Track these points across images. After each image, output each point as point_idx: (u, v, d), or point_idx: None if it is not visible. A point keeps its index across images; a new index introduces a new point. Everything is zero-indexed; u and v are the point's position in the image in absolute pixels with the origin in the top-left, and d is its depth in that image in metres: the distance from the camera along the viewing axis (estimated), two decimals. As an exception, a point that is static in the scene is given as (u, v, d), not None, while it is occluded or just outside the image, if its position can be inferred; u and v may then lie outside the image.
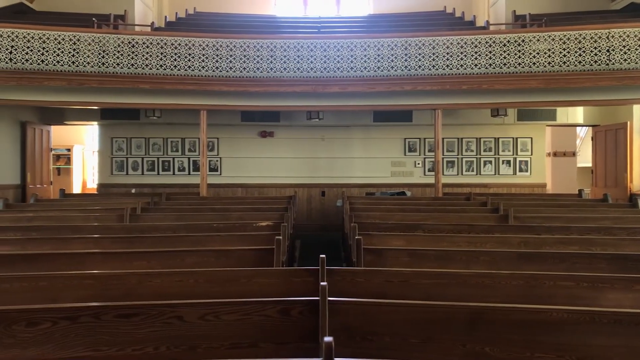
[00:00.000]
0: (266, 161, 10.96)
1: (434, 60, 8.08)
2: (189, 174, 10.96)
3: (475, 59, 8.01)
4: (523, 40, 7.97)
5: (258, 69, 8.20)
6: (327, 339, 1.68)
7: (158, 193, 8.97)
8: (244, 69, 8.19)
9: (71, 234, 4.81)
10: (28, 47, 7.76)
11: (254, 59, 8.21)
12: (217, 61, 8.16)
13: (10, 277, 2.89)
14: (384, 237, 4.56)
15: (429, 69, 8.08)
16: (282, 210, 6.69)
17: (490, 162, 10.98)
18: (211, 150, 10.77)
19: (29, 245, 4.23)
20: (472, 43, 8.04)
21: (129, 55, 7.99)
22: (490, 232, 5.02)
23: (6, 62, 7.70)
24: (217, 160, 10.98)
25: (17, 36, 7.75)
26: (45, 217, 6.14)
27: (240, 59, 8.19)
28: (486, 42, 8.03)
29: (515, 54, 7.96)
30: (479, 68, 8.00)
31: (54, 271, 3.23)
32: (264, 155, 10.97)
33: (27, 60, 7.75)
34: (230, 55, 8.18)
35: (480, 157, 11.00)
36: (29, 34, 7.78)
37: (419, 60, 8.09)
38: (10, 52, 7.71)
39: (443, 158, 10.44)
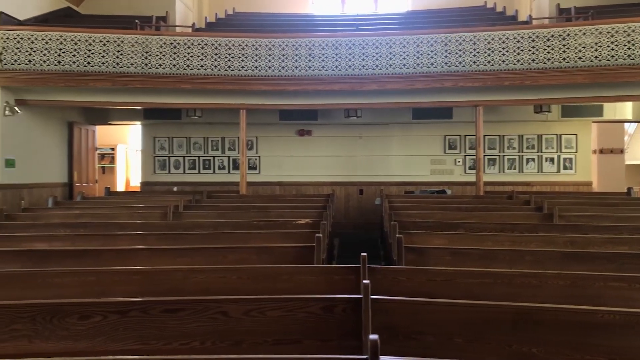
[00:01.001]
0: (304, 159, 11.01)
1: (475, 56, 7.94)
2: (229, 172, 11.11)
3: (518, 54, 7.83)
4: (568, 35, 7.74)
5: (296, 67, 8.23)
6: (373, 336, 1.67)
7: (199, 191, 9.14)
8: (283, 68, 8.24)
9: (117, 231, 4.95)
10: (75, 50, 8.01)
11: (292, 57, 8.25)
12: (256, 61, 8.24)
13: (61, 272, 2.99)
14: (424, 235, 4.51)
15: (470, 65, 7.95)
16: (321, 209, 6.71)
17: (533, 159, 10.72)
18: (250, 149, 10.89)
19: (78, 241, 4.38)
20: (515, 38, 7.86)
21: (170, 56, 8.15)
22: (534, 231, 4.91)
23: (55, 65, 7.96)
24: (256, 159, 11.09)
25: (65, 39, 8.01)
26: (92, 214, 6.34)
27: (279, 58, 8.24)
28: (529, 37, 7.84)
29: (560, 49, 7.74)
30: (522, 64, 7.82)
31: (102, 266, 3.34)
32: (302, 154, 11.02)
33: (74, 62, 8.00)
34: (269, 55, 8.25)
35: (522, 155, 10.75)
36: (76, 36, 8.03)
37: (460, 56, 7.97)
38: (59, 55, 7.98)
39: (484, 156, 10.25)
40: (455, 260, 3.69)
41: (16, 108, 8.30)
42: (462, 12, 11.52)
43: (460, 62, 7.97)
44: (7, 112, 8.19)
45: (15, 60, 7.90)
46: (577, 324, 2.26)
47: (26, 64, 7.93)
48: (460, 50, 7.97)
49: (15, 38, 7.93)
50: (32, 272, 3.00)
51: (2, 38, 7.89)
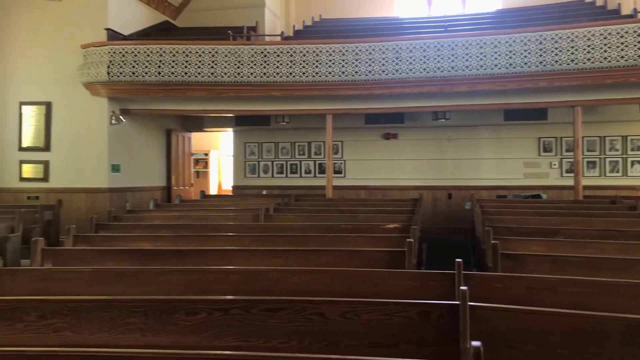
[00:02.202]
0: (390, 163, 10.95)
1: (572, 54, 7.53)
2: (315, 176, 11.29)
3: (622, 50, 7.34)
4: (679, 27, 7.15)
5: (383, 71, 8.22)
6: (476, 343, 1.64)
7: (287, 194, 9.36)
8: (370, 72, 8.26)
9: (213, 232, 5.18)
10: (173, 61, 8.50)
11: (379, 61, 8.25)
12: (343, 66, 8.32)
13: (167, 270, 3.18)
14: (520, 241, 4.33)
15: (567, 64, 7.55)
16: (409, 213, 6.64)
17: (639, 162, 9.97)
18: (336, 153, 11.00)
19: (179, 241, 4.64)
20: (618, 33, 7.37)
21: (261, 64, 8.43)
22: (644, 239, 4.56)
23: (155, 76, 8.50)
24: (341, 163, 11.19)
25: (164, 52, 8.52)
26: (190, 216, 6.69)
27: (366, 62, 8.27)
28: (634, 32, 7.32)
29: (670, 42, 7.17)
30: (626, 60, 7.32)
31: (202, 265, 3.52)
32: (388, 157, 10.96)
33: (172, 73, 8.50)
34: (356, 59, 8.30)
35: (626, 157, 10.04)
36: (174, 49, 8.53)
37: (556, 54, 7.59)
38: (159, 67, 8.51)
39: (583, 158, 9.67)
40: (556, 268, 3.51)
41: (121, 117, 8.95)
42: (557, 8, 10.96)
43: (556, 61, 7.60)
44: (113, 121, 8.85)
45: (121, 73, 8.51)
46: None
47: (130, 76, 8.52)
48: (556, 48, 7.60)
49: (120, 52, 8.55)
50: (142, 269, 3.22)
51: (109, 52, 8.54)
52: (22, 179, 9.07)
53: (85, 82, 8.75)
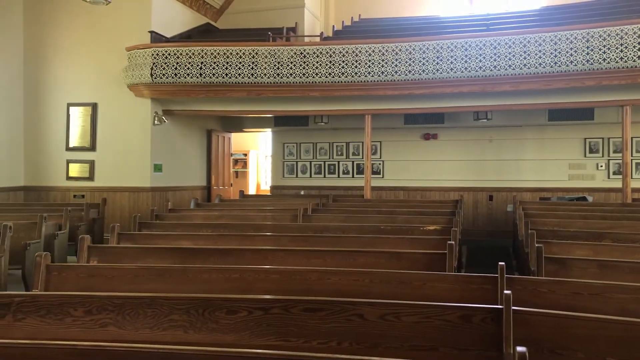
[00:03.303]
0: (429, 164, 10.82)
1: (622, 51, 7.27)
2: (353, 176, 11.26)
3: (675, 46, 7.03)
4: None
5: (424, 71, 8.13)
6: (521, 348, 1.60)
7: (325, 195, 9.37)
8: (409, 72, 8.18)
9: (253, 232, 5.23)
10: (214, 63, 8.63)
11: (420, 61, 8.16)
12: (382, 66, 8.27)
13: (209, 269, 3.23)
14: (565, 245, 4.22)
15: (616, 62, 7.29)
16: (449, 215, 6.55)
17: (693, 163, 9.55)
18: (374, 153, 10.94)
19: (220, 240, 4.70)
20: (671, 29, 7.07)
21: (300, 65, 8.47)
22: (697, 244, 4.36)
23: (197, 77, 8.65)
24: (379, 164, 11.12)
25: (205, 53, 8.67)
26: (230, 215, 6.78)
27: (406, 62, 8.19)
28: (688, 27, 7.01)
29: None
30: (679, 57, 7.01)
31: (242, 264, 3.55)
32: (427, 158, 10.84)
33: (213, 74, 8.63)
34: (396, 59, 8.24)
35: (678, 159, 9.63)
36: (215, 50, 8.66)
37: (604, 52, 7.34)
38: (200, 68, 8.66)
39: (632, 160, 9.31)
40: (603, 273, 3.40)
41: (163, 118, 9.15)
42: (605, 4, 10.59)
43: (604, 59, 7.35)
44: (156, 122, 9.06)
45: (164, 74, 8.70)
46: None
47: (172, 78, 8.70)
48: (604, 46, 7.35)
49: (163, 54, 8.74)
50: (184, 267, 3.28)
51: (152, 55, 8.74)
52: (69, 178, 9.39)
53: (130, 83, 8.99)
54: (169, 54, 8.74)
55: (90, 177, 9.31)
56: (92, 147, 9.31)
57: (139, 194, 9.09)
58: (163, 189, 9.36)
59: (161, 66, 8.72)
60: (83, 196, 9.20)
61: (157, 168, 9.23)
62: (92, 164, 9.31)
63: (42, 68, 9.58)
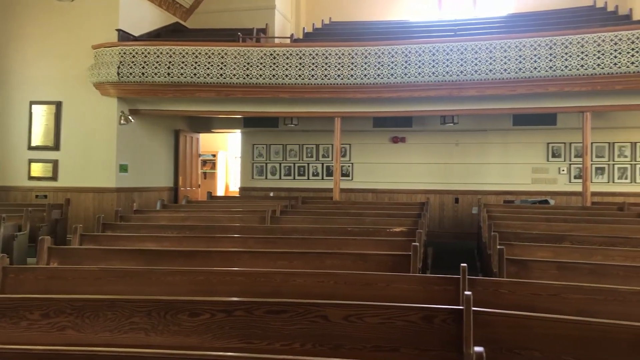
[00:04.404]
0: (397, 167, 10.94)
1: (582, 59, 7.49)
2: (322, 178, 11.29)
3: (632, 56, 7.29)
4: (691, 33, 7.09)
5: (392, 75, 8.22)
6: (478, 348, 1.63)
7: (294, 197, 9.37)
8: (378, 75, 8.25)
9: (220, 234, 5.19)
10: (183, 62, 8.55)
11: (388, 65, 8.24)
12: (352, 69, 8.33)
13: (173, 271, 3.19)
14: (527, 247, 4.31)
15: (577, 69, 7.51)
16: (415, 217, 6.63)
17: (649, 169, 9.90)
18: (343, 156, 11.00)
19: (185, 242, 4.65)
20: (629, 39, 7.33)
21: (270, 66, 8.45)
22: (651, 246, 4.52)
23: (165, 77, 8.54)
24: (349, 166, 11.18)
25: (174, 53, 8.57)
26: (197, 217, 6.71)
27: (375, 65, 8.27)
28: (645, 37, 7.27)
29: (682, 48, 7.11)
30: (637, 66, 7.27)
31: (208, 267, 3.52)
32: (395, 161, 10.95)
33: (182, 74, 8.54)
34: (365, 63, 8.30)
35: (635, 164, 9.97)
36: (184, 50, 8.57)
37: (566, 59, 7.56)
38: (169, 67, 8.55)
39: (592, 164, 9.61)
40: (562, 275, 3.49)
41: (130, 117, 9.00)
42: (569, 13, 10.90)
43: (566, 66, 7.56)
44: (122, 122, 8.90)
45: (131, 73, 8.56)
46: None
47: (140, 77, 8.57)
48: (566, 53, 7.57)
49: (130, 53, 8.60)
50: (147, 269, 3.23)
51: (119, 53, 8.60)
52: (31, 178, 9.14)
53: (96, 82, 8.81)
54: (137, 53, 8.61)
55: (54, 177, 9.08)
56: (56, 147, 9.08)
57: (103, 195, 8.91)
58: (129, 190, 9.20)
59: (128, 65, 8.59)
60: (46, 196, 8.97)
61: (123, 168, 9.07)
62: (55, 163, 9.08)
63: (4, 65, 9.31)
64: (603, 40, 7.45)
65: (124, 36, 9.04)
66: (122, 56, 8.60)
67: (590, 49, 7.48)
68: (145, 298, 2.45)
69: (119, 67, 8.56)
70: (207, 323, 2.39)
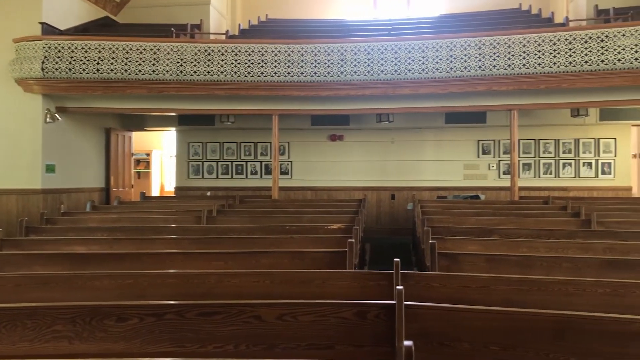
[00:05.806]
0: (336, 164, 11.02)
1: (509, 59, 7.81)
2: (261, 177, 11.22)
3: (554, 57, 7.67)
4: (607, 36, 7.55)
5: (329, 73, 8.26)
6: (407, 343, 1.66)
7: (232, 196, 9.24)
8: (315, 73, 8.27)
9: (153, 235, 5.04)
10: (113, 58, 8.23)
11: (325, 63, 8.28)
12: (288, 67, 8.30)
13: (100, 275, 3.06)
14: (458, 241, 4.45)
15: (505, 69, 7.83)
16: (353, 214, 6.70)
17: (570, 164, 10.49)
18: (282, 154, 10.96)
19: (116, 245, 4.48)
20: (551, 40, 7.71)
21: (205, 63, 8.28)
22: (572, 237, 4.79)
23: (94, 73, 8.19)
24: (287, 164, 11.16)
25: (103, 48, 8.23)
26: (129, 218, 6.48)
27: (312, 63, 8.28)
28: (566, 39, 7.67)
29: (598, 51, 7.55)
30: (558, 66, 7.65)
31: (139, 269, 3.41)
32: (334, 159, 11.04)
33: (112, 70, 8.21)
34: (302, 61, 8.30)
35: (559, 160, 10.53)
36: (114, 45, 8.25)
37: (494, 59, 7.86)
38: (98, 63, 8.21)
39: (519, 160, 10.07)
40: (490, 267, 3.63)
41: (56, 115, 8.57)
42: (497, 15, 11.36)
43: (494, 66, 7.86)
44: (48, 120, 8.46)
45: (57, 69, 8.16)
46: (617, 334, 2.20)
47: (66, 73, 8.18)
48: (494, 53, 7.87)
49: (56, 47, 8.19)
50: (72, 274, 3.08)
51: (44, 48, 8.16)
52: (-53, 180, 8.53)
53: (18, 77, 8.32)
54: (63, 48, 8.21)
55: (-28, 179, 8.51)
56: (-26, 146, 8.51)
57: (28, 197, 8.44)
58: (56, 191, 8.76)
59: (54, 60, 8.17)
60: (-37, 199, 8.39)
61: (50, 169, 8.62)
62: (-27, 164, 8.51)
63: None
64: (528, 42, 7.80)
65: (49, 30, 8.59)
66: (46, 51, 8.17)
67: (517, 49, 7.82)
68: (68, 304, 2.33)
69: (43, 62, 8.13)
70: (136, 328, 2.30)
